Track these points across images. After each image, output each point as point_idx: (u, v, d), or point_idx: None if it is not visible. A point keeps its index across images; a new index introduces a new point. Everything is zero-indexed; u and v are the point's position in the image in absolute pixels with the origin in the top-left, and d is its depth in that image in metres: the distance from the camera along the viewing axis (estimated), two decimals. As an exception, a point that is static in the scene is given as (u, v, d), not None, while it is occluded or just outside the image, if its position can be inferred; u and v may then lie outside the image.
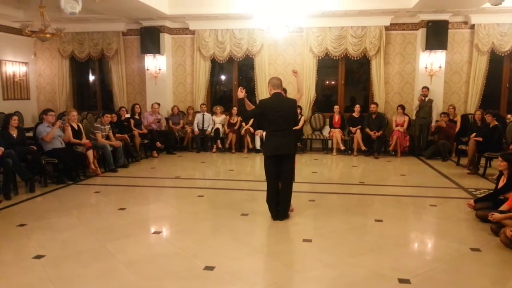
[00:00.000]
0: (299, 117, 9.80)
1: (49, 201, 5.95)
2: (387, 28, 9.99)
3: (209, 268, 3.64)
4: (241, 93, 5.18)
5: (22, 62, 11.12)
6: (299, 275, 3.60)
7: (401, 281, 3.42)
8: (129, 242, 4.29)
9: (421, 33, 9.73)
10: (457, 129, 9.16)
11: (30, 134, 7.44)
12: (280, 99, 4.95)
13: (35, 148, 6.70)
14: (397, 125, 9.65)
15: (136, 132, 9.21)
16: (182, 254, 3.99)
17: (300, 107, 9.99)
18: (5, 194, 5.87)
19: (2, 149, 5.92)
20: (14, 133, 6.60)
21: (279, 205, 4.99)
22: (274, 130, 4.90)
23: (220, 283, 3.41)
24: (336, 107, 10.21)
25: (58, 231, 4.63)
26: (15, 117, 6.73)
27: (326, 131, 10.44)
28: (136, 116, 9.67)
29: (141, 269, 3.63)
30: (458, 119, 9.35)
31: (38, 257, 3.88)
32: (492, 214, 4.44)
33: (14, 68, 10.83)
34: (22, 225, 4.81)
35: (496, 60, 9.92)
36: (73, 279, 3.45)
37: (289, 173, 5.00)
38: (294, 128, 5.51)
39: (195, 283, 3.42)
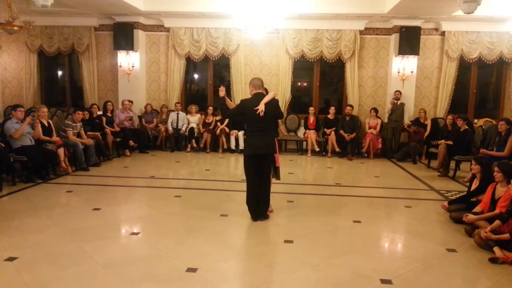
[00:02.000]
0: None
1: (18, 201, 5.69)
2: (361, 32, 10.17)
3: (192, 270, 3.58)
4: (221, 92, 5.14)
5: (-14, 55, 10.62)
6: (282, 276, 3.59)
7: (383, 281, 3.47)
8: (107, 244, 4.16)
9: (394, 38, 9.95)
10: (427, 132, 9.43)
11: (-3, 130, 7.09)
12: (261, 100, 4.93)
13: (3, 145, 6.39)
14: (370, 128, 9.83)
15: (108, 130, 8.97)
16: (163, 256, 3.90)
17: None
18: (-29, 193, 5.59)
19: (-32, 146, 5.62)
20: (-20, 129, 6.29)
21: (259, 205, 4.97)
22: (255, 131, 4.88)
23: (203, 285, 3.35)
24: (311, 108, 10.29)
25: (29, 232, 4.42)
26: (-19, 113, 6.41)
27: (301, 132, 10.52)
28: (108, 114, 9.42)
29: (121, 272, 3.52)
30: (429, 122, 9.63)
31: (10, 259, 3.70)
32: (467, 216, 4.59)
33: (-22, 61, 10.33)
34: (-10, 226, 4.59)
35: (464, 67, 10.32)
36: (51, 283, 3.30)
37: (268, 172, 5.00)
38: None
39: (178, 286, 3.34)
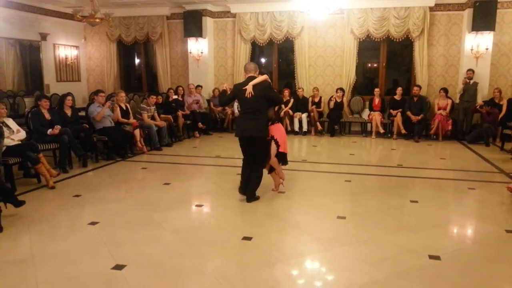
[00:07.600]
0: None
1: (100, 175, 6.42)
2: (431, 9, 9.74)
3: (247, 238, 3.89)
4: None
5: (73, 46, 11.74)
6: (332, 248, 3.76)
7: (432, 257, 3.52)
8: (174, 214, 4.62)
9: (467, 14, 9.42)
10: (502, 113, 8.89)
11: (82, 113, 7.93)
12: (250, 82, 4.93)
13: (87, 126, 7.18)
14: (439, 109, 9.46)
15: (179, 113, 9.57)
16: (222, 226, 4.27)
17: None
18: (62, 168, 6.38)
19: (59, 127, 6.40)
20: (69, 112, 7.09)
21: (247, 186, 5.03)
22: (243, 113, 5.00)
23: (256, 252, 3.65)
24: (376, 89, 10.11)
25: (109, 202, 5.04)
26: (69, 97, 7.23)
27: (365, 114, 10.41)
28: (179, 98, 10.03)
29: (185, 237, 3.94)
30: (504, 102, 9.05)
31: (93, 223, 4.28)
32: (531, 197, 4.41)
33: (66, 52, 11.46)
34: (77, 195, 5.27)
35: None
36: (125, 243, 3.80)
37: (257, 157, 4.98)
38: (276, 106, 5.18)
39: (233, 251, 3.68)
